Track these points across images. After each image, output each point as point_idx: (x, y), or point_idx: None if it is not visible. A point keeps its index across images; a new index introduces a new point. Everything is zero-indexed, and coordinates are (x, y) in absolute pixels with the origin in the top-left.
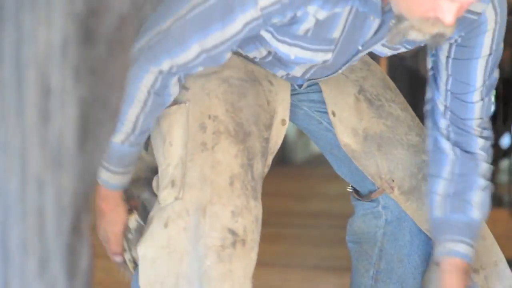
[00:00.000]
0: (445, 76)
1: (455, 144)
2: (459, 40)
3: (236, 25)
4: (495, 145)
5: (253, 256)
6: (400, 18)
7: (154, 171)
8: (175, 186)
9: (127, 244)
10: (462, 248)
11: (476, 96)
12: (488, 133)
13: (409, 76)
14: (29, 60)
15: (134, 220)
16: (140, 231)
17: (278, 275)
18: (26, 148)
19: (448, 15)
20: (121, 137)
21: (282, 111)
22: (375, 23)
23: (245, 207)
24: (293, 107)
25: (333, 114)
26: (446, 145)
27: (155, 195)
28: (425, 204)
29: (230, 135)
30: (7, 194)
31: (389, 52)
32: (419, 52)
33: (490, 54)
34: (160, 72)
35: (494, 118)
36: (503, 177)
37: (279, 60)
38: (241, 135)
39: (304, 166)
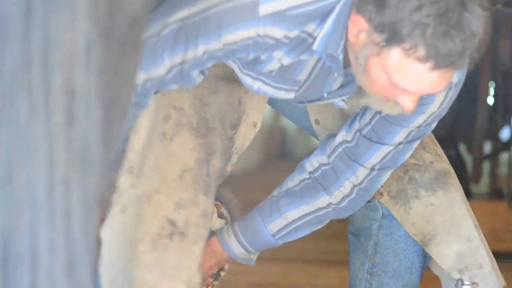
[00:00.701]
0: (365, 123)
1: (319, 177)
2: None
3: (198, 51)
4: (495, 138)
5: (196, 249)
6: (361, 91)
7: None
8: (132, 173)
9: None
10: (236, 245)
11: (383, 149)
12: (351, 204)
13: None
14: (55, 63)
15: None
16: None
17: (278, 269)
18: (53, 150)
19: (409, 103)
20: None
21: (256, 114)
22: (338, 79)
23: (192, 200)
24: (286, 104)
25: (317, 122)
26: (309, 168)
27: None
28: (412, 208)
29: (192, 128)
30: (35, 196)
31: (344, 107)
32: None
33: (418, 127)
34: (136, 85)
35: (493, 111)
36: (503, 170)
37: None
38: (203, 129)
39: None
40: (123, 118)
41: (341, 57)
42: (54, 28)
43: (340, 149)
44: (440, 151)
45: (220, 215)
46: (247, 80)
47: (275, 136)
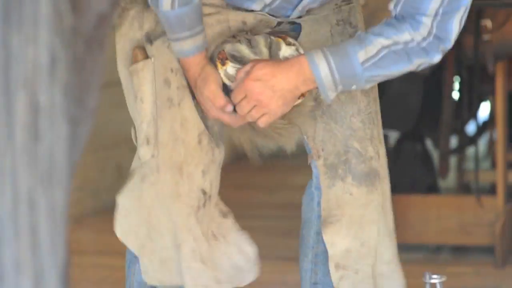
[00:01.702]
0: None
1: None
2: None
3: None
4: (461, 133)
5: (214, 208)
6: None
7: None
8: (150, 144)
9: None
10: (318, 57)
11: None
12: (432, 45)
13: None
14: (18, 79)
15: (230, 67)
16: None
17: None
18: (16, 167)
19: None
20: (167, 2)
21: None
22: None
23: (211, 160)
24: None
25: None
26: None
27: (237, 42)
28: (335, 185)
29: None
30: (0, 213)
31: None
32: None
33: None
34: None
35: (459, 105)
36: (470, 165)
37: None
38: None
39: (271, 158)
40: (90, 118)
41: None
42: (16, 44)
43: (401, 2)
44: (382, 152)
45: (288, 43)
46: None
47: None
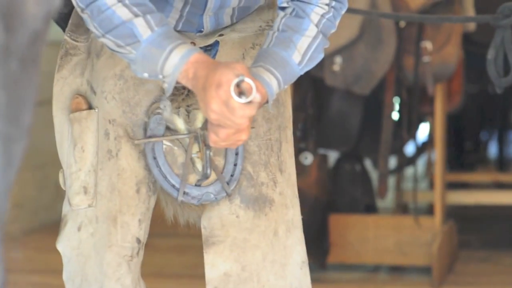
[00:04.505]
0: None
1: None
2: None
3: None
4: (400, 153)
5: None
6: None
7: None
8: (88, 194)
9: None
10: (268, 77)
11: None
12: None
13: (314, 86)
14: None
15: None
16: None
17: (186, 286)
18: None
19: None
20: (144, 29)
21: None
22: None
23: (147, 209)
24: None
25: None
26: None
27: (175, 113)
28: (219, 204)
29: (130, 138)
30: None
31: None
32: (324, 61)
33: None
34: None
35: (398, 126)
36: (408, 185)
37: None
38: (141, 133)
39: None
40: (25, 136)
41: None
42: None
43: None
44: (282, 180)
45: None
46: None
47: None
